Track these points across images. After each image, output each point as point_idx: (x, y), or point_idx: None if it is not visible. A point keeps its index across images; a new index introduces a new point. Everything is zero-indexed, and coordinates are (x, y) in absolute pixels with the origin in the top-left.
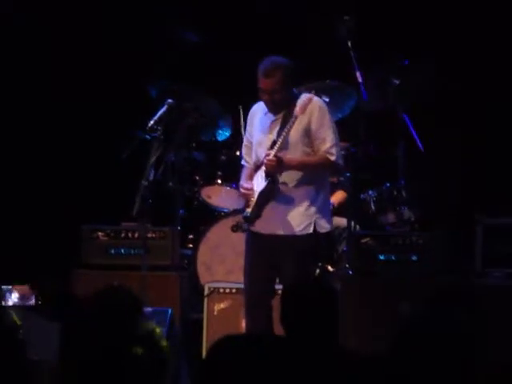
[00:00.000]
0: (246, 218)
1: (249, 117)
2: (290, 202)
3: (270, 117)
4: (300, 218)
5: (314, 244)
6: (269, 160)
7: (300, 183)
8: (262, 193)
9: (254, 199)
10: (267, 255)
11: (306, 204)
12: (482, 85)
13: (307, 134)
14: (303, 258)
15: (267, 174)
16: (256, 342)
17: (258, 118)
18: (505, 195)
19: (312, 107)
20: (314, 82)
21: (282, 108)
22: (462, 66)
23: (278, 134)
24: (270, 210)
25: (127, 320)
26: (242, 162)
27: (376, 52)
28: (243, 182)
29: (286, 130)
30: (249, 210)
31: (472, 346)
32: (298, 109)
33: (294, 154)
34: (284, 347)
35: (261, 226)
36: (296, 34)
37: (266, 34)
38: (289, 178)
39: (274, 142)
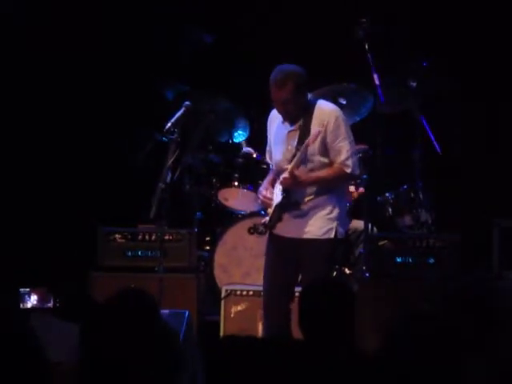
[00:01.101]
0: (266, 226)
1: (268, 122)
2: (311, 208)
3: (287, 126)
4: (322, 222)
5: (333, 248)
6: (284, 178)
7: (321, 192)
8: (278, 206)
9: (271, 210)
10: (287, 259)
11: (328, 208)
12: (499, 86)
13: (324, 145)
14: (323, 262)
15: (284, 189)
16: (265, 344)
17: (276, 125)
18: None
19: (327, 118)
20: (332, 85)
21: (298, 117)
22: (479, 67)
23: (296, 148)
24: (291, 214)
25: (143, 322)
26: (270, 167)
27: (393, 54)
28: (262, 189)
29: (303, 145)
30: (267, 219)
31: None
32: (311, 138)
33: (313, 166)
34: (299, 350)
35: (281, 229)
36: (313, 36)
37: (283, 34)
38: (308, 189)
39: (293, 157)
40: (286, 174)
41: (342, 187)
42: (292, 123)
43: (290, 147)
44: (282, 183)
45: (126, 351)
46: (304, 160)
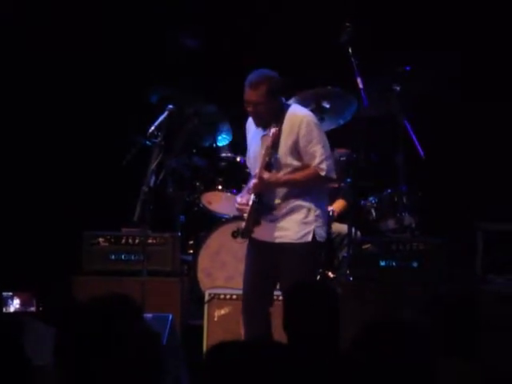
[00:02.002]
0: (242, 233)
1: (246, 128)
2: (286, 212)
3: (261, 131)
4: (297, 227)
5: (312, 252)
6: (254, 183)
7: (294, 195)
8: (251, 211)
9: (245, 215)
10: (266, 262)
11: (303, 212)
12: (481, 91)
13: (296, 150)
14: (302, 266)
15: (255, 194)
16: (255, 348)
17: (252, 131)
18: (505, 201)
19: (299, 123)
20: (315, 88)
21: (268, 122)
22: (464, 70)
23: (266, 153)
24: (267, 219)
25: (122, 324)
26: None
27: (377, 58)
28: (238, 197)
29: (265, 148)
30: (242, 225)
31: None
32: (269, 139)
33: (286, 170)
34: (283, 353)
35: (260, 234)
36: (297, 39)
37: (268, 38)
38: (283, 192)
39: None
40: (255, 179)
41: (319, 191)
42: (265, 128)
43: (263, 152)
44: (253, 189)
45: (103, 352)
46: (276, 165)
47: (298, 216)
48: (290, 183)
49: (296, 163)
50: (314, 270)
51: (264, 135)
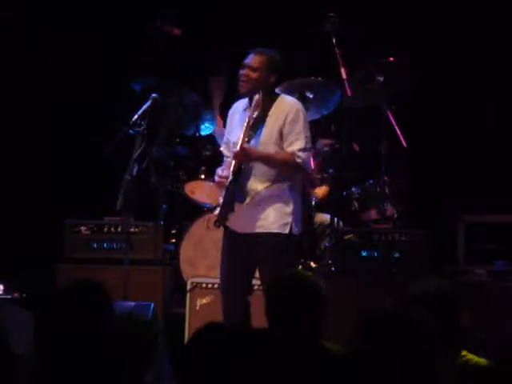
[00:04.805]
0: (216, 222)
1: (229, 114)
2: (264, 200)
3: (247, 114)
4: (275, 216)
5: (289, 244)
6: (235, 151)
7: (273, 182)
8: (227, 192)
9: (221, 199)
10: (243, 253)
11: (280, 202)
12: (464, 81)
13: (280, 134)
14: (280, 257)
15: (235, 167)
16: (239, 332)
17: (238, 116)
18: (487, 192)
19: (288, 109)
20: (299, 78)
21: (253, 92)
22: (443, 63)
23: (252, 129)
24: (244, 208)
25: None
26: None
27: (360, 49)
28: (219, 170)
29: (248, 117)
30: (217, 213)
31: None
32: (253, 106)
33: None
34: (268, 339)
35: (236, 224)
36: (281, 29)
37: (250, 28)
38: (260, 174)
39: (248, 136)
40: (236, 148)
41: (294, 182)
42: (247, 96)
43: (245, 124)
44: (233, 157)
45: (76, 342)
46: (256, 144)
47: (275, 206)
48: (268, 159)
49: (276, 148)
50: (292, 263)
51: (250, 117)
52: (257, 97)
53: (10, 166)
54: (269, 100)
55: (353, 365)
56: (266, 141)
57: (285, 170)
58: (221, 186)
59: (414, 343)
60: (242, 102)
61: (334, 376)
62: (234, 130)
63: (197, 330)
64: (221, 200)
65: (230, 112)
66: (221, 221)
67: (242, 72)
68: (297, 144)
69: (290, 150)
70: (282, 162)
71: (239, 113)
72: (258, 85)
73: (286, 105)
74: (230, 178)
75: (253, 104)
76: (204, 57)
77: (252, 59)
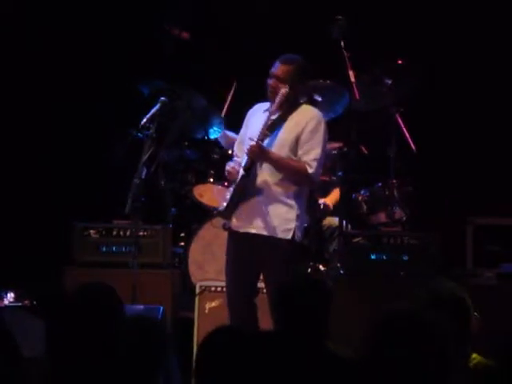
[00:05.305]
0: (220, 213)
1: (247, 115)
2: (270, 202)
3: (268, 115)
4: (279, 220)
5: (292, 250)
6: (251, 145)
7: (280, 184)
8: (236, 187)
9: (229, 194)
10: (247, 255)
11: (286, 206)
12: (473, 84)
13: (296, 141)
14: (284, 262)
15: (247, 163)
16: (248, 336)
17: (257, 116)
18: (495, 195)
19: (310, 117)
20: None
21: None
22: (451, 65)
23: (269, 129)
24: (249, 208)
25: (106, 314)
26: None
27: (369, 52)
28: (231, 162)
29: (271, 111)
30: (224, 204)
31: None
32: (278, 99)
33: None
34: (275, 342)
35: (241, 225)
36: (289, 32)
37: (260, 32)
38: (269, 176)
39: (264, 135)
40: (253, 142)
41: (301, 192)
42: (273, 103)
43: (263, 122)
44: (248, 150)
45: (87, 345)
46: (271, 144)
47: (280, 210)
48: (280, 163)
49: (290, 154)
50: (293, 267)
51: (270, 118)
52: (283, 91)
53: (20, 169)
54: (292, 105)
55: (363, 367)
56: (280, 143)
57: (293, 176)
58: (231, 178)
59: (430, 344)
60: (264, 104)
61: (340, 378)
62: (251, 127)
63: (207, 334)
64: (228, 195)
65: (250, 111)
66: (226, 212)
67: (269, 82)
68: (311, 154)
69: (303, 158)
70: (293, 168)
71: (260, 112)
72: (287, 95)
73: (309, 113)
74: (242, 173)
75: (277, 99)
76: (212, 61)
77: (278, 69)
